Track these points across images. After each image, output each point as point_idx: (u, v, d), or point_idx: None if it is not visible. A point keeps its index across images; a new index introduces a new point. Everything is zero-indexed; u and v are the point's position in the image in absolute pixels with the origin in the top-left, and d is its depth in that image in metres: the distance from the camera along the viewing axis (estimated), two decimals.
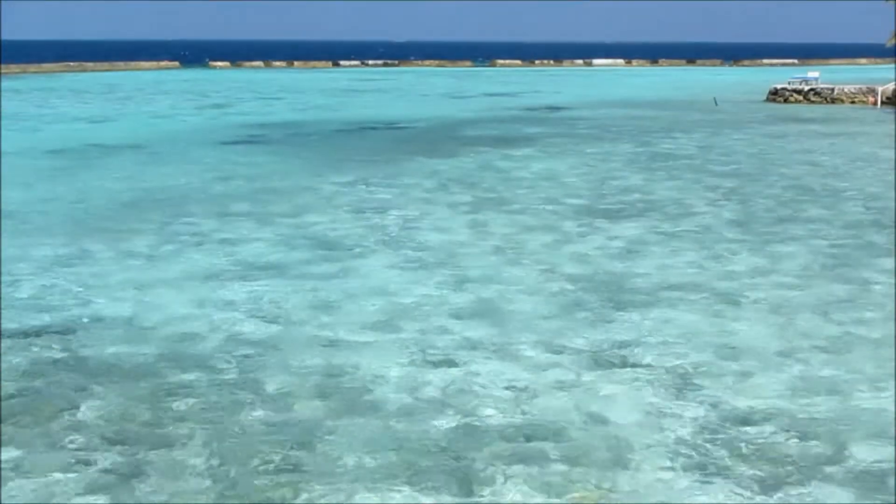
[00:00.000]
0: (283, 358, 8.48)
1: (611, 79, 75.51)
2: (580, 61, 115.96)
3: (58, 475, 6.23)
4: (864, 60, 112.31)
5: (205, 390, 7.69)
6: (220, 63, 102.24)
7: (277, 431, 6.90)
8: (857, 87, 43.89)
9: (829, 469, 6.30)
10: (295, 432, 6.88)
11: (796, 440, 6.73)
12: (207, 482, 6.13)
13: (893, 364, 8.21)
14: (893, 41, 47.03)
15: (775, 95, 44.71)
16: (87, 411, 7.26)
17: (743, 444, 6.65)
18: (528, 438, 6.76)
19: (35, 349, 8.74)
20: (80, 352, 8.69)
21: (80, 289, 10.87)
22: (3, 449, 6.58)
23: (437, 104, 44.28)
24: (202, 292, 10.71)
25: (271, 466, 6.34)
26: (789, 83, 45.07)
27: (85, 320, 9.65)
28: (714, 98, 44.92)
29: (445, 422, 7.05)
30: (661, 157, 23.23)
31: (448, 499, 5.93)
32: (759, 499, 5.92)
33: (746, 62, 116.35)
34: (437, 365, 8.30)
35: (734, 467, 6.31)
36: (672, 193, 17.67)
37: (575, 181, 19.31)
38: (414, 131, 30.93)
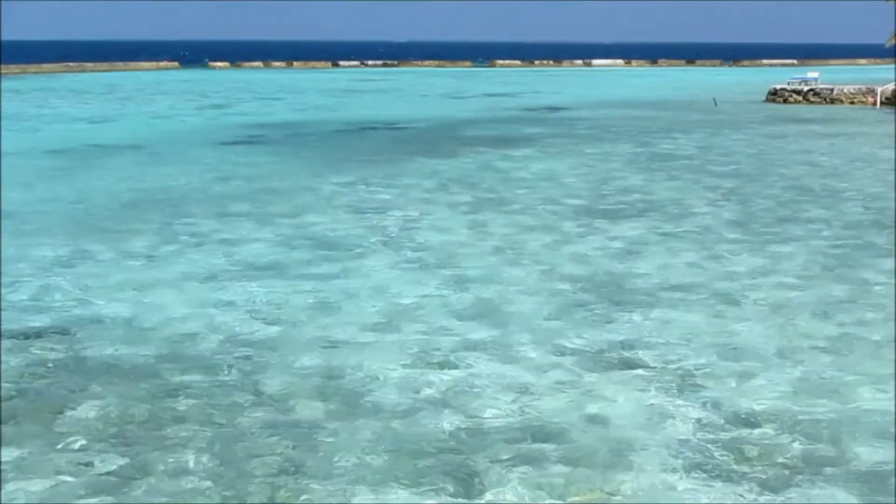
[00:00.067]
0: (283, 358, 8.47)
1: (610, 79, 75.52)
2: (580, 62, 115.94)
3: (58, 475, 6.23)
4: (863, 61, 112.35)
5: (205, 390, 7.69)
6: (219, 63, 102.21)
7: (277, 432, 6.89)
8: (857, 87, 43.89)
9: (829, 469, 6.30)
10: (295, 432, 6.88)
11: (797, 440, 6.72)
12: (207, 482, 6.13)
13: (894, 364, 8.21)
14: (893, 41, 47.05)
15: (775, 96, 44.72)
16: (87, 411, 7.26)
17: (743, 445, 6.64)
18: (529, 439, 6.75)
19: (35, 349, 8.74)
20: (80, 352, 8.68)
21: (80, 289, 10.86)
22: (3, 449, 6.58)
23: (436, 104, 44.28)
24: (202, 292, 10.71)
25: (271, 467, 6.34)
26: (789, 83, 45.07)
27: (85, 320, 9.65)
28: (713, 98, 44.92)
29: (445, 422, 7.05)
30: (660, 158, 23.23)
31: (448, 499, 5.93)
32: (759, 499, 5.91)
33: (746, 62, 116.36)
34: (437, 365, 8.30)
35: (735, 468, 6.31)
36: (672, 194, 17.67)
37: (575, 181, 19.31)
38: (414, 131, 30.93)
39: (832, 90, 43.41)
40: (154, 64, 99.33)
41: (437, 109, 40.53)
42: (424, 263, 12.09)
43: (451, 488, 6.04)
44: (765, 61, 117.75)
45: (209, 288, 10.91)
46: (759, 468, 6.30)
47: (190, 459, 6.43)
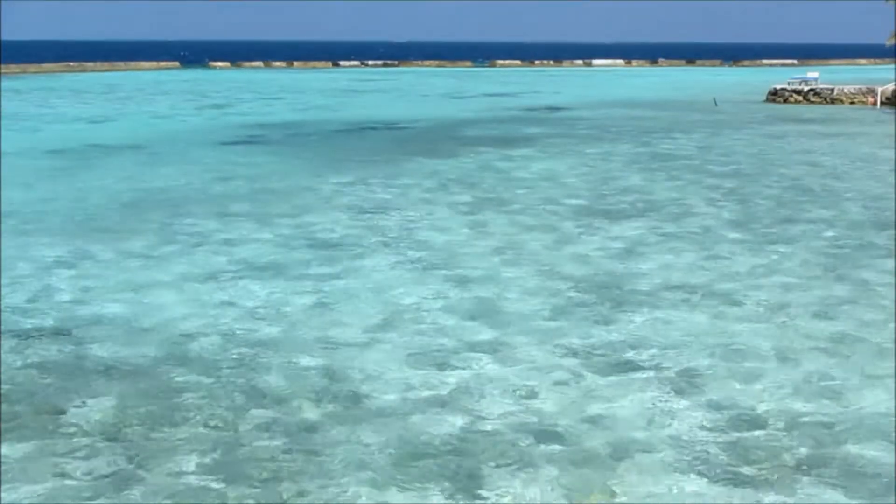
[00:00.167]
0: (283, 358, 8.47)
1: (610, 79, 75.52)
2: (580, 62, 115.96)
3: (58, 475, 6.23)
4: (863, 61, 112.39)
5: (205, 390, 7.69)
6: (219, 63, 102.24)
7: (277, 432, 6.89)
8: (857, 87, 43.89)
9: (829, 469, 6.29)
10: (295, 432, 6.88)
11: (797, 441, 6.72)
12: (207, 482, 6.13)
13: (894, 364, 8.21)
14: (893, 40, 47.07)
15: (775, 96, 44.72)
16: (87, 411, 7.26)
17: (744, 445, 6.64)
18: (529, 439, 6.75)
19: (35, 349, 8.73)
20: (80, 352, 8.68)
21: (80, 289, 10.86)
22: (3, 449, 6.58)
23: (436, 104, 44.28)
24: (202, 292, 10.71)
25: (271, 467, 6.34)
26: (789, 83, 45.07)
27: (85, 320, 9.64)
28: (714, 98, 44.92)
29: (445, 422, 7.04)
30: (660, 158, 23.23)
31: (448, 500, 5.93)
32: (760, 499, 5.91)
33: (746, 62, 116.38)
34: (437, 365, 8.30)
35: (735, 468, 6.31)
36: (672, 194, 17.67)
37: (575, 181, 19.31)
38: (414, 131, 30.93)
39: (832, 90, 43.40)
40: (154, 64, 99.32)
41: (437, 109, 40.54)
42: (424, 263, 12.09)
43: (451, 488, 6.04)
44: (765, 61, 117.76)
45: (209, 288, 10.91)
46: (760, 468, 6.29)
47: (190, 459, 6.43)
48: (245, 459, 6.45)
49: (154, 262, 12.24)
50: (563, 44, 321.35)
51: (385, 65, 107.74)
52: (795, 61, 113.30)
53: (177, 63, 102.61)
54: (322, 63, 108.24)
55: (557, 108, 41.41)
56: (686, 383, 7.83)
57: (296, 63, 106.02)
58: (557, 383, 7.85)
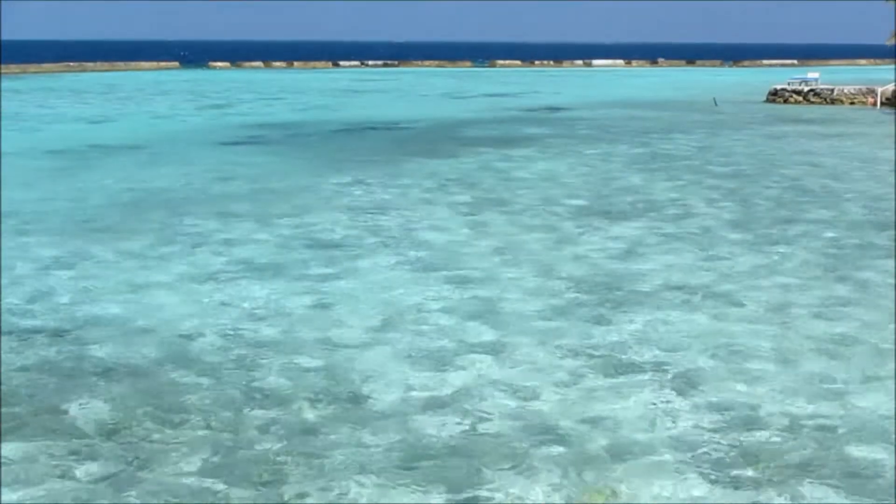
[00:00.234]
0: (283, 358, 8.47)
1: (610, 79, 75.52)
2: (580, 62, 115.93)
3: (58, 475, 6.22)
4: (863, 61, 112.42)
5: (204, 391, 7.68)
6: (219, 63, 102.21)
7: (277, 432, 6.89)
8: (857, 87, 43.90)
9: (829, 469, 6.29)
10: (295, 433, 6.87)
11: (797, 441, 6.72)
12: (207, 482, 6.12)
13: (894, 364, 8.21)
14: (893, 40, 47.07)
15: (775, 96, 44.72)
16: (86, 411, 7.26)
17: (744, 446, 6.64)
18: (530, 440, 6.75)
19: (35, 349, 8.73)
20: (80, 352, 8.68)
21: (80, 289, 10.86)
22: (2, 449, 6.57)
23: (436, 104, 44.29)
24: (202, 293, 10.71)
25: (271, 467, 6.34)
26: (789, 84, 45.08)
27: (85, 321, 9.64)
28: (714, 99, 44.92)
29: (445, 422, 7.04)
30: (660, 158, 23.23)
31: (448, 499, 5.92)
32: (760, 499, 5.91)
33: (746, 63, 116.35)
34: (437, 366, 8.30)
35: (736, 468, 6.30)
36: (672, 194, 17.67)
37: (575, 181, 19.31)
38: (414, 132, 30.93)
39: (832, 90, 43.41)
40: (154, 64, 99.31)
41: (437, 109, 40.54)
42: (424, 264, 12.08)
43: (451, 489, 6.04)
44: (765, 62, 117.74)
45: (209, 288, 10.90)
46: (760, 467, 6.29)
47: (190, 460, 6.43)
48: (245, 460, 6.44)
49: (154, 262, 12.24)
50: (563, 44, 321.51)
51: (385, 65, 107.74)
52: (795, 61, 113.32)
53: (177, 63, 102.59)
54: (322, 63, 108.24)
55: (557, 109, 41.41)
56: (686, 384, 7.83)
57: (296, 63, 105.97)
58: (558, 384, 7.85)
